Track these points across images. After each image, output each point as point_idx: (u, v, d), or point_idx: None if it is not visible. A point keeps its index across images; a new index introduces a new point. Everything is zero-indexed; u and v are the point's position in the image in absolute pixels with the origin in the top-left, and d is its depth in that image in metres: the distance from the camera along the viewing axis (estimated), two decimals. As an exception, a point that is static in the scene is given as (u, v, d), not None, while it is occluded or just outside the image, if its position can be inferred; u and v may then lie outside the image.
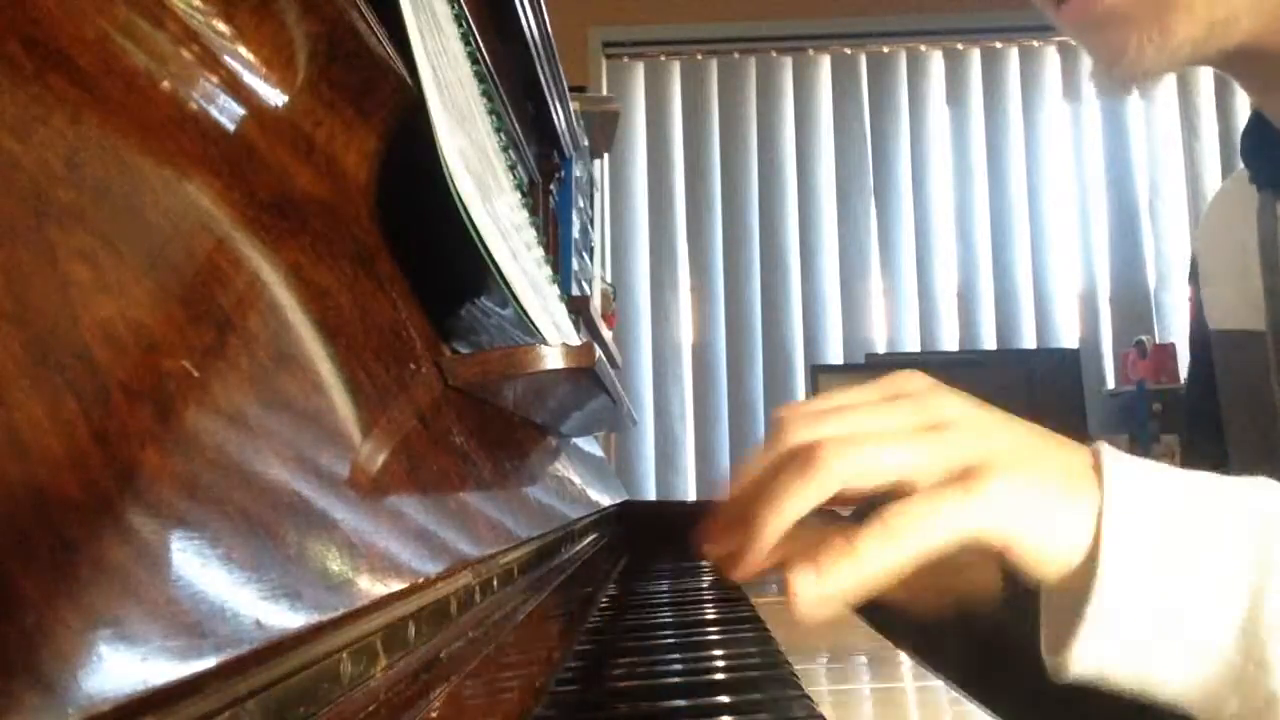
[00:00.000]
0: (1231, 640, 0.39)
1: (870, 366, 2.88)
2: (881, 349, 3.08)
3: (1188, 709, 0.40)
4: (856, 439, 0.42)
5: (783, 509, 0.41)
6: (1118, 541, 0.39)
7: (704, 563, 1.08)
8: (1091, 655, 0.39)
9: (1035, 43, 3.15)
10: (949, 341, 3.10)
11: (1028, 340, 3.09)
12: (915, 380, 0.46)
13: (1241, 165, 0.78)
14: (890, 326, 3.12)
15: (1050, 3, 0.61)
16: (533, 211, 0.78)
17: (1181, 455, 0.93)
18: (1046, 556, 0.40)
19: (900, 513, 0.39)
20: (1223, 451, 0.79)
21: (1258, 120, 0.71)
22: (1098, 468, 0.41)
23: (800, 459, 0.42)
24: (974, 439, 0.42)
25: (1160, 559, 0.39)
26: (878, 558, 0.38)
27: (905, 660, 0.57)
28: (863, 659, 0.60)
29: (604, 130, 2.07)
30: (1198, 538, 0.40)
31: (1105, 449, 0.42)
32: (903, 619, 0.49)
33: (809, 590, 0.38)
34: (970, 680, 0.52)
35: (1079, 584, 0.40)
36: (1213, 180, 3.05)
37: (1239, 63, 0.64)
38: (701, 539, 0.44)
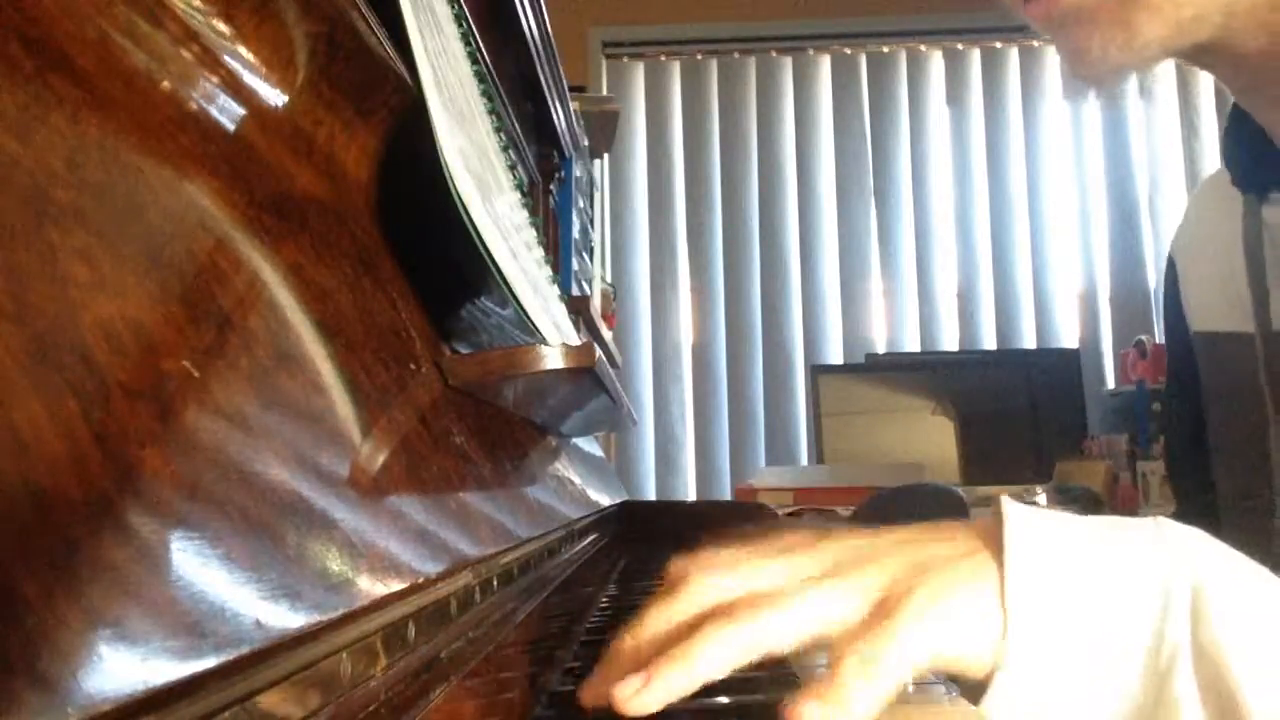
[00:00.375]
0: (1139, 685, 0.41)
1: (870, 366, 2.88)
2: (881, 349, 3.08)
3: None
4: (772, 597, 0.43)
5: (696, 665, 0.40)
6: (1021, 623, 0.41)
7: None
8: (1007, 703, 0.41)
9: (1035, 43, 3.15)
10: (949, 341, 3.10)
11: (1028, 340, 3.09)
12: (799, 535, 0.47)
13: (1209, 153, 0.78)
14: (890, 326, 3.12)
15: (1019, 0, 0.61)
16: (533, 211, 0.78)
17: (1165, 461, 0.93)
18: (967, 658, 0.42)
19: (846, 671, 0.40)
20: (1204, 455, 0.79)
21: (1237, 121, 0.71)
22: (997, 545, 0.43)
23: (720, 616, 0.42)
24: (876, 572, 0.44)
25: (1063, 628, 0.42)
26: (863, 703, 0.39)
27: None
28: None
29: (604, 130, 2.07)
30: (1099, 599, 0.42)
31: (1007, 526, 0.43)
32: None
33: None
34: None
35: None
36: (1213, 180, 3.04)
37: (1215, 60, 0.64)
38: (589, 688, 0.41)
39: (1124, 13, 0.58)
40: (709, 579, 0.45)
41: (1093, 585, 0.43)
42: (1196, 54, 0.63)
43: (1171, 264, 0.86)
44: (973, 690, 0.44)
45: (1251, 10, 0.58)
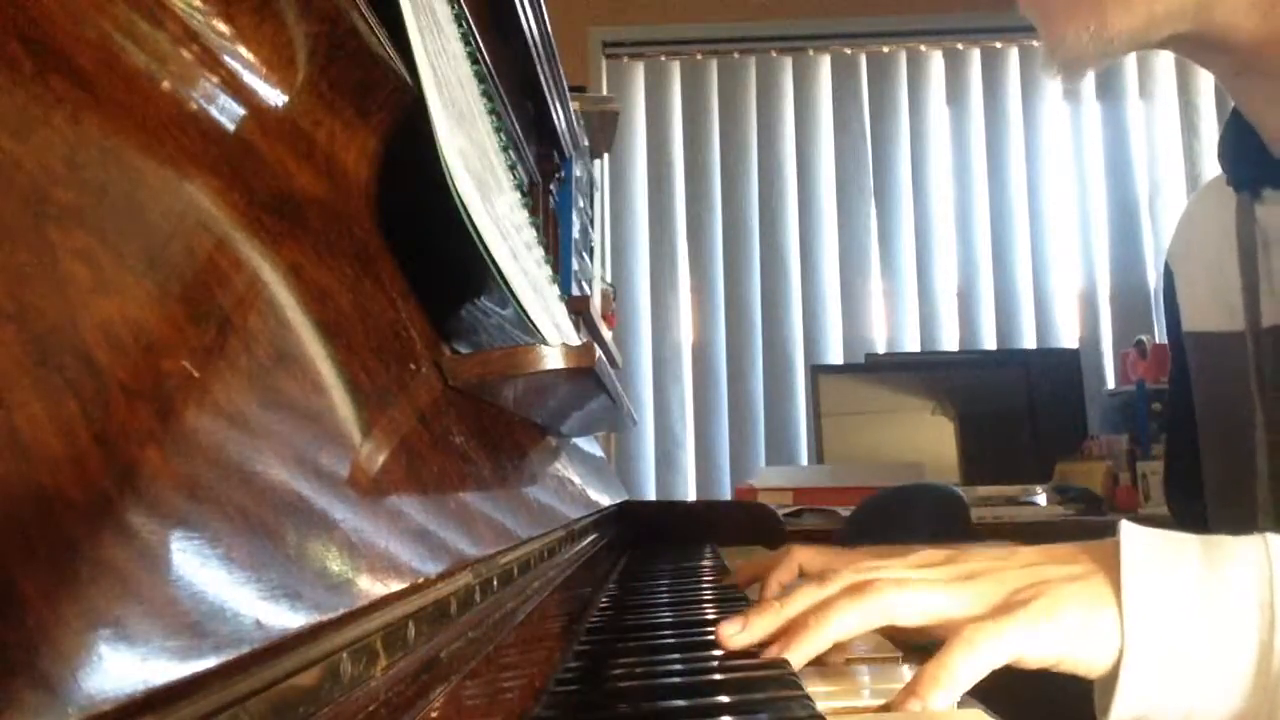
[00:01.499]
0: (1249, 697, 0.45)
1: (870, 367, 2.88)
2: (881, 349, 3.08)
3: None
4: (907, 582, 0.50)
5: (832, 623, 0.48)
6: (1137, 648, 0.46)
7: (704, 563, 1.08)
8: (1130, 706, 0.46)
9: (1035, 43, 3.13)
10: (949, 341, 3.10)
11: (1028, 340, 3.09)
12: (937, 552, 0.56)
13: (1209, 153, 0.78)
14: (890, 326, 3.12)
15: None
16: (533, 211, 0.78)
17: (1165, 459, 0.93)
18: (1085, 661, 0.48)
19: (962, 642, 0.46)
20: (1196, 453, 0.80)
21: (1234, 123, 0.72)
22: (1115, 570, 0.48)
23: (856, 587, 0.50)
24: (999, 583, 0.50)
25: (1175, 639, 0.46)
26: (968, 670, 0.45)
27: (903, 661, 0.57)
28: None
29: (604, 130, 2.07)
30: (1207, 614, 0.46)
31: (1124, 549, 0.49)
32: None
33: (933, 693, 0.45)
34: None
35: (1113, 674, 0.47)
36: (1213, 180, 3.04)
37: (1201, 49, 0.65)
38: (729, 628, 0.51)
39: (1099, 6, 0.60)
40: (853, 572, 0.52)
41: (1203, 601, 0.47)
42: (1180, 44, 0.64)
43: (1169, 270, 0.86)
44: (1098, 698, 0.49)
45: (1236, 2, 0.60)
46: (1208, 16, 0.60)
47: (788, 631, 0.50)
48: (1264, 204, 0.70)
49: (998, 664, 0.46)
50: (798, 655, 0.48)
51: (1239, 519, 0.71)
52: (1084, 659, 0.48)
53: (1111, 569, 0.48)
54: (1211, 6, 0.60)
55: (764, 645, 0.50)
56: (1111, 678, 0.47)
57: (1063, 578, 0.49)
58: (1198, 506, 0.80)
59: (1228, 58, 0.65)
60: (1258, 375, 0.70)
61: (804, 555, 0.70)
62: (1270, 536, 0.48)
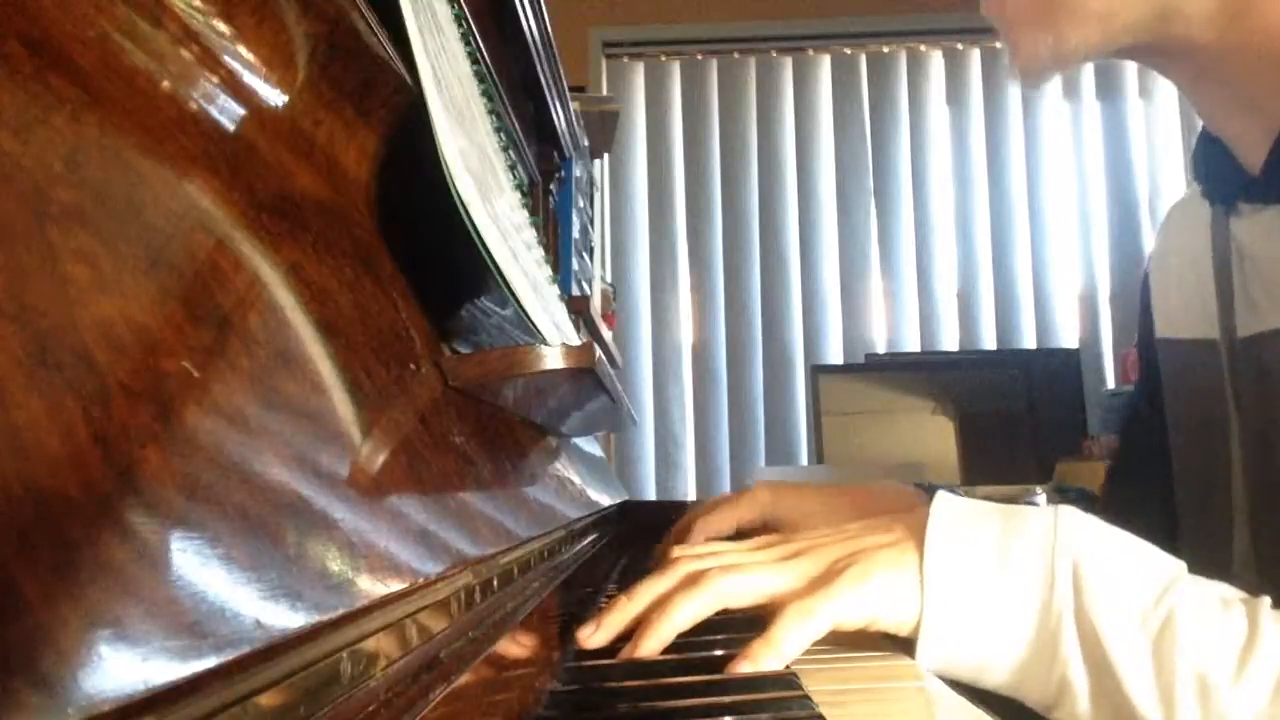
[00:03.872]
0: (1034, 643, 0.51)
1: (870, 366, 2.88)
2: (881, 349, 3.08)
3: (1010, 694, 0.53)
4: (737, 567, 0.56)
5: (675, 615, 0.54)
6: (934, 608, 0.53)
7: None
8: (930, 659, 0.53)
9: (1035, 43, 3.15)
10: (949, 341, 3.10)
11: (1028, 340, 3.09)
12: (770, 536, 0.62)
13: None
14: (890, 326, 3.12)
15: None
16: (533, 211, 0.78)
17: (1117, 459, 0.94)
18: (893, 622, 0.54)
19: (785, 618, 0.52)
20: (1164, 460, 0.80)
21: (1207, 137, 0.72)
22: (922, 534, 0.55)
23: (691, 578, 0.56)
24: (819, 558, 0.56)
25: (968, 599, 0.53)
26: (793, 643, 0.52)
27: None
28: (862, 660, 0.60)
29: (604, 130, 2.06)
30: (997, 577, 0.53)
31: (931, 518, 0.55)
32: None
33: (763, 661, 0.51)
34: None
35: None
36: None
37: (1161, 59, 0.67)
38: (586, 630, 0.55)
39: (1052, 21, 0.63)
40: (690, 560, 0.58)
41: (995, 564, 0.53)
42: (1140, 54, 0.66)
43: (1146, 276, 0.87)
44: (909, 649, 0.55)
45: (1196, 14, 0.61)
46: (1165, 28, 0.62)
47: (637, 628, 0.54)
48: (1239, 217, 0.71)
49: (820, 632, 0.52)
50: (645, 650, 0.53)
51: (1212, 527, 0.72)
52: (891, 619, 0.54)
53: (919, 536, 0.55)
54: (1169, 19, 0.61)
55: (620, 641, 0.55)
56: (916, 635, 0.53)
57: (875, 546, 0.56)
58: (1163, 511, 0.81)
59: (1187, 66, 0.66)
60: (1232, 386, 0.71)
61: (700, 522, 0.84)
62: (1061, 508, 0.54)
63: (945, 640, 0.53)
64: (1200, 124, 0.74)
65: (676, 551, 0.61)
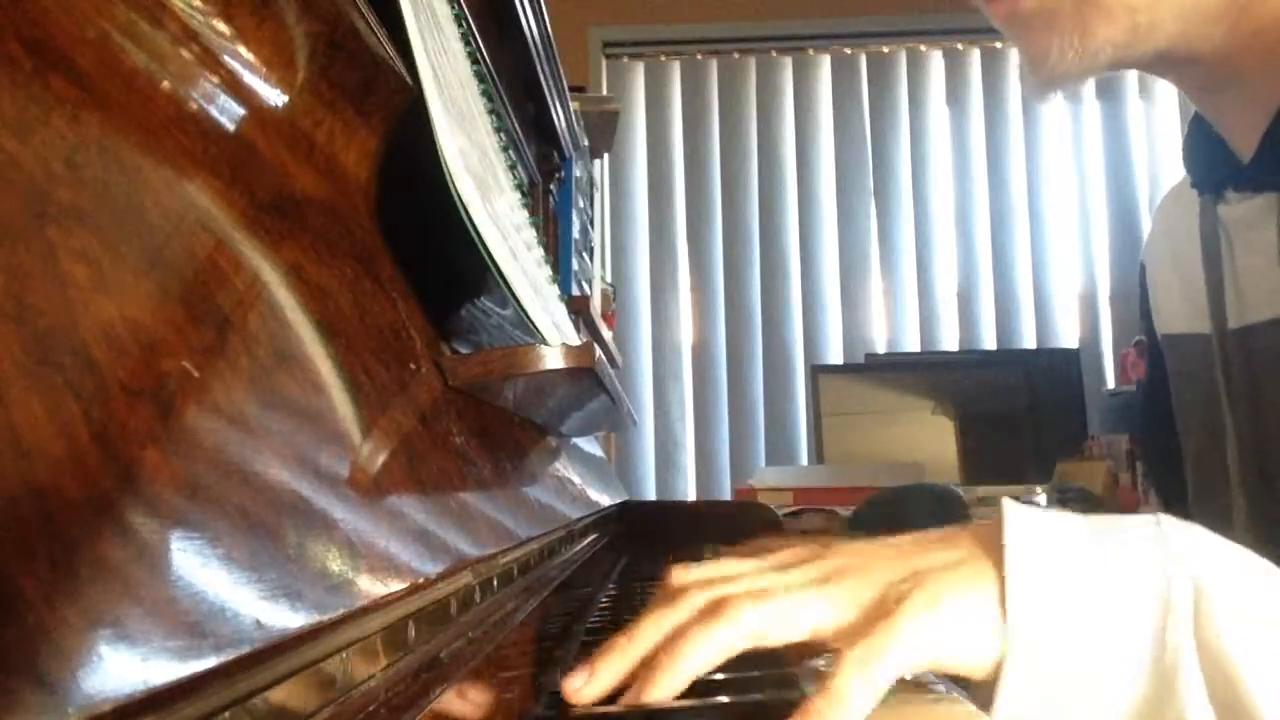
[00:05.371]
0: (1144, 685, 0.41)
1: (870, 366, 2.88)
2: (881, 349, 3.08)
3: None
4: (766, 593, 0.44)
5: (690, 654, 0.42)
6: (1023, 628, 0.42)
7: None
8: (1013, 707, 0.42)
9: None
10: (949, 341, 3.10)
11: (1028, 340, 3.09)
12: (802, 549, 0.49)
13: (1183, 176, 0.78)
14: (890, 326, 3.12)
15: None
16: (533, 211, 0.78)
17: (1141, 463, 0.94)
18: (966, 662, 0.43)
19: (847, 668, 0.41)
20: (1177, 452, 0.80)
21: (1196, 125, 0.72)
22: (997, 550, 0.44)
23: (709, 609, 0.44)
24: (869, 579, 0.45)
25: (1063, 632, 0.42)
26: (861, 697, 0.40)
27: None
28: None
29: (604, 130, 2.06)
30: (1100, 600, 0.42)
31: (1007, 530, 0.44)
32: None
33: None
34: None
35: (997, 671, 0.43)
36: (1213, 180, 3.04)
37: (1172, 65, 0.65)
38: (574, 682, 0.43)
39: (1080, 17, 0.59)
40: (703, 587, 0.46)
41: (1094, 587, 0.43)
42: (1153, 62, 0.64)
43: (1144, 271, 0.87)
44: (981, 695, 0.44)
45: (1207, 13, 0.59)
46: (1182, 28, 0.60)
47: (641, 672, 0.43)
48: (1227, 204, 0.70)
49: (890, 680, 0.41)
50: (654, 696, 0.42)
51: (1215, 526, 0.72)
52: (965, 659, 0.43)
53: (993, 553, 0.45)
54: (1186, 18, 0.60)
55: (619, 692, 0.44)
56: (993, 680, 0.43)
57: (940, 566, 0.45)
58: (1184, 504, 0.80)
59: (1197, 71, 0.65)
60: (1225, 379, 0.70)
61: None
62: (1161, 516, 0.45)
63: (1035, 687, 0.42)
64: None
65: (679, 576, 0.48)
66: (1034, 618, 0.42)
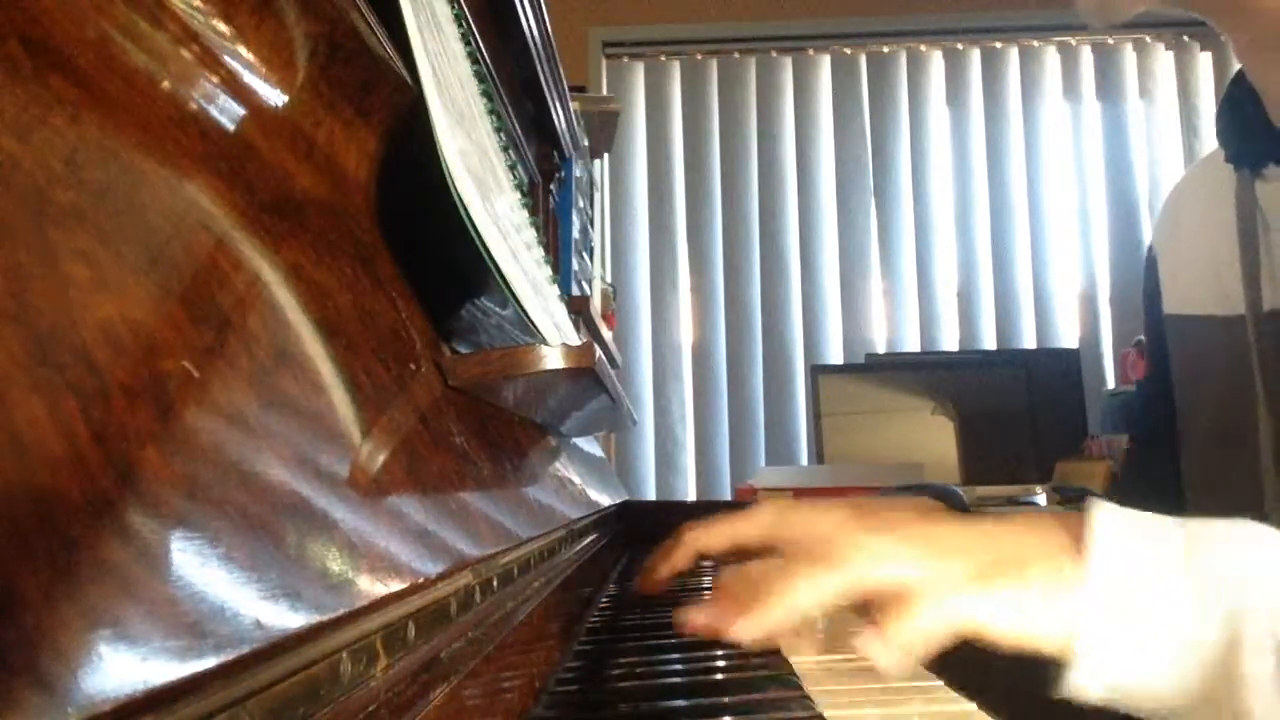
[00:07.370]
0: (1209, 675, 0.42)
1: (870, 367, 2.88)
2: (881, 349, 3.08)
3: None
4: (868, 541, 0.45)
5: (799, 595, 0.43)
6: (1093, 628, 0.43)
7: (704, 563, 1.07)
8: (1082, 694, 0.44)
9: (1035, 43, 3.15)
10: (949, 341, 3.10)
11: (1028, 340, 3.09)
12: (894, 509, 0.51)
13: (1208, 151, 0.76)
14: (890, 326, 3.12)
15: None
16: (533, 211, 0.78)
17: (1133, 449, 0.92)
18: (1041, 635, 0.44)
19: (933, 599, 0.43)
20: (1174, 453, 0.78)
21: (1232, 98, 0.70)
22: (1080, 549, 0.45)
23: (816, 553, 0.45)
24: (968, 558, 0.46)
25: (1134, 615, 0.43)
26: (915, 636, 0.43)
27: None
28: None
29: (604, 130, 2.06)
30: (1172, 604, 0.43)
31: (1094, 535, 0.45)
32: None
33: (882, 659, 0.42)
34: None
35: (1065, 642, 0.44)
36: (1213, 180, 3.03)
37: (1233, 12, 0.64)
38: (694, 613, 0.46)
39: None
40: (813, 537, 0.47)
41: (1172, 597, 0.43)
42: (1216, 5, 0.62)
43: (1152, 257, 0.85)
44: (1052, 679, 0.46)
45: None
46: None
47: (726, 604, 0.46)
48: (1265, 181, 0.68)
49: (963, 628, 0.44)
50: (748, 632, 0.44)
51: (1239, 508, 0.70)
52: (1039, 641, 0.45)
53: (1077, 552, 0.46)
54: None
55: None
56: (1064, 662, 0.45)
57: (1031, 556, 0.46)
58: (1168, 499, 0.78)
59: (1258, 23, 0.63)
60: (1260, 361, 0.68)
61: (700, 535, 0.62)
62: (1246, 523, 0.46)
63: (1106, 662, 0.44)
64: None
65: (726, 577, 0.49)
66: (1107, 619, 0.44)
